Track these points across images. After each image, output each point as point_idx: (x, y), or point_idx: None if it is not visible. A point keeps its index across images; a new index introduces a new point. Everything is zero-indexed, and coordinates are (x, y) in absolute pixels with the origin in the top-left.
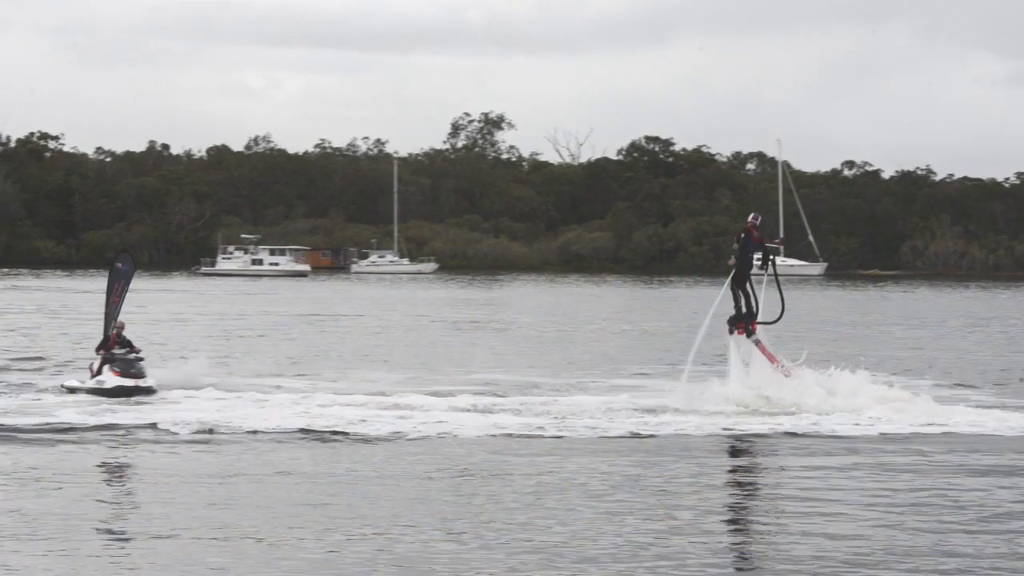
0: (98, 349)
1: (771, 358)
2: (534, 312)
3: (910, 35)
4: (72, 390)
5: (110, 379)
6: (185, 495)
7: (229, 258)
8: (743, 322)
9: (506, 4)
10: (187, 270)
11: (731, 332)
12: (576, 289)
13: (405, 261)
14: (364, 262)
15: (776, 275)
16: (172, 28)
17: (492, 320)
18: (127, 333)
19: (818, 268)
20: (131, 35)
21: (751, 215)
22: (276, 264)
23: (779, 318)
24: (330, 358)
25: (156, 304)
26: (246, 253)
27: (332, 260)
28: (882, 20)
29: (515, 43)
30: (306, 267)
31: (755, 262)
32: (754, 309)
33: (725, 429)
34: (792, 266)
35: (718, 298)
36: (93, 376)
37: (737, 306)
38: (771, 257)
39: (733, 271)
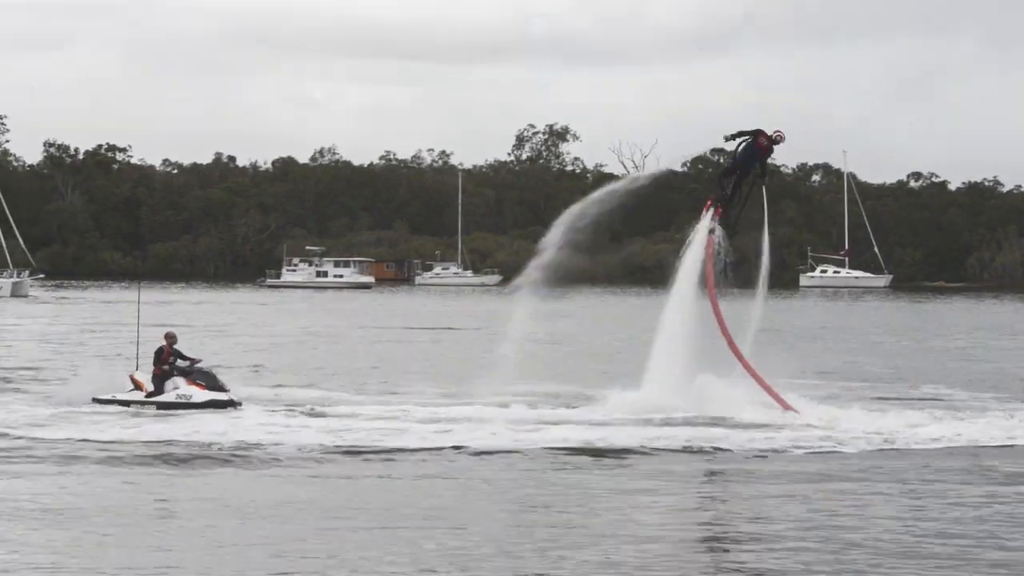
0: (156, 363)
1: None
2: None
3: (976, 44)
4: (106, 402)
5: (197, 393)
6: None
7: (294, 270)
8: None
9: (569, 16)
10: (252, 282)
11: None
12: (638, 301)
13: (469, 273)
14: (428, 274)
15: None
16: (237, 39)
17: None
18: (178, 345)
19: (883, 280)
20: (197, 47)
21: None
22: (340, 276)
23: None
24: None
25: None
26: (311, 265)
27: (396, 272)
28: (948, 29)
29: (578, 55)
30: (370, 279)
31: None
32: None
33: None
34: (857, 278)
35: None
36: (144, 390)
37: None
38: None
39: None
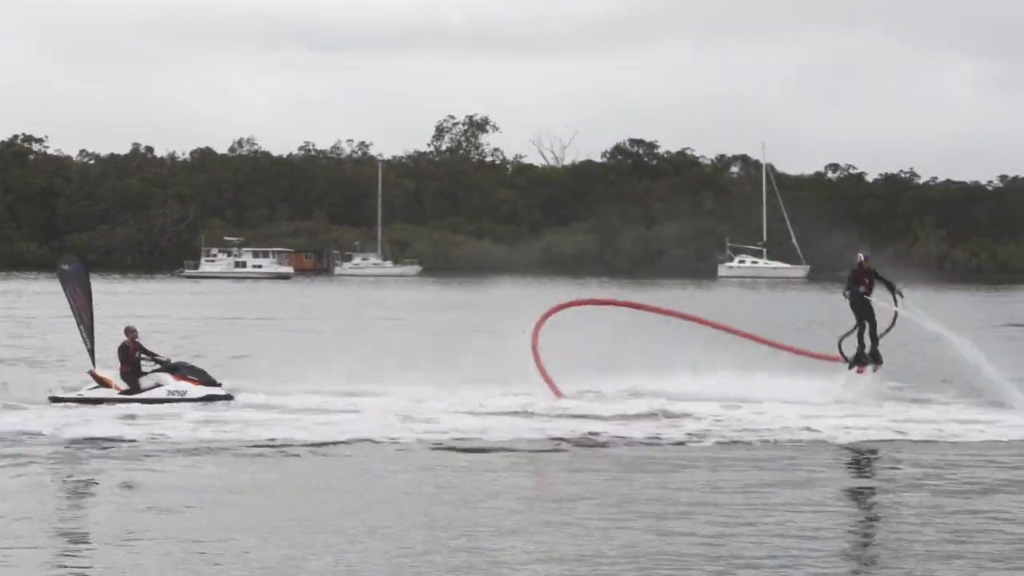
0: (123, 360)
1: None
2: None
3: (892, 38)
4: (60, 400)
5: (192, 389)
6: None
7: (212, 260)
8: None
9: (488, 6)
10: (170, 272)
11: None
12: (560, 291)
13: (388, 263)
14: (347, 264)
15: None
16: (154, 29)
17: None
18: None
19: (801, 270)
20: (114, 36)
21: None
22: (259, 266)
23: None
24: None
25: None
26: (229, 256)
27: (315, 262)
28: (864, 23)
29: (498, 45)
30: (289, 269)
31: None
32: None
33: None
34: (776, 268)
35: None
36: (113, 387)
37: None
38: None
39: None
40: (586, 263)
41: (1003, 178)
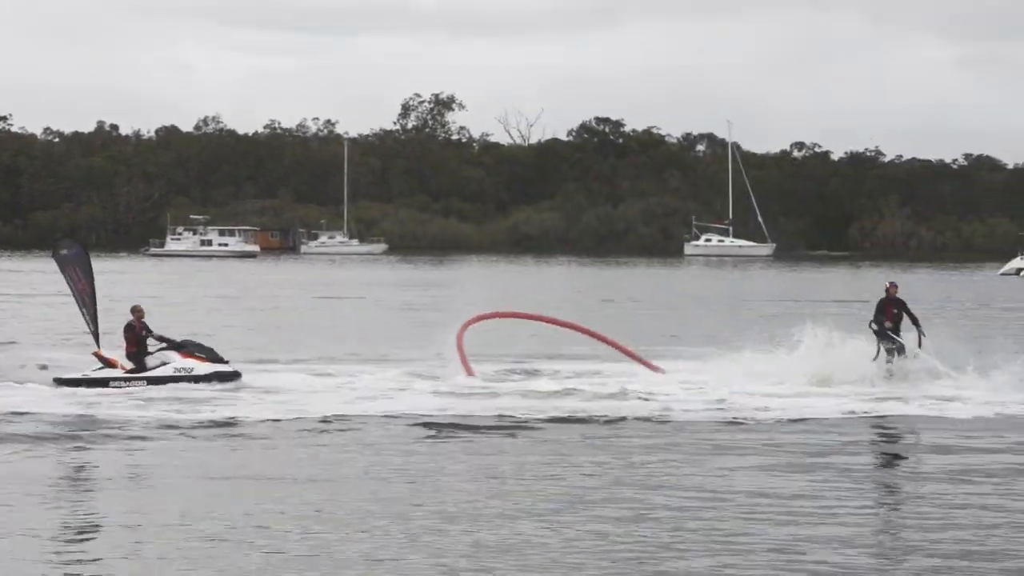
0: (132, 340)
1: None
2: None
3: (858, 17)
4: (68, 382)
5: (199, 366)
6: None
7: (178, 239)
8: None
9: None
10: (136, 251)
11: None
12: (528, 270)
13: (355, 242)
14: (313, 243)
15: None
16: (117, 6)
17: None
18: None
19: (766, 249)
20: (78, 14)
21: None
22: (225, 245)
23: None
24: None
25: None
26: (195, 234)
27: (281, 241)
28: (831, 1)
29: (464, 24)
30: (256, 248)
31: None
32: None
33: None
34: (741, 247)
35: None
36: (119, 367)
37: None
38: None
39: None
40: (552, 241)
41: (968, 156)
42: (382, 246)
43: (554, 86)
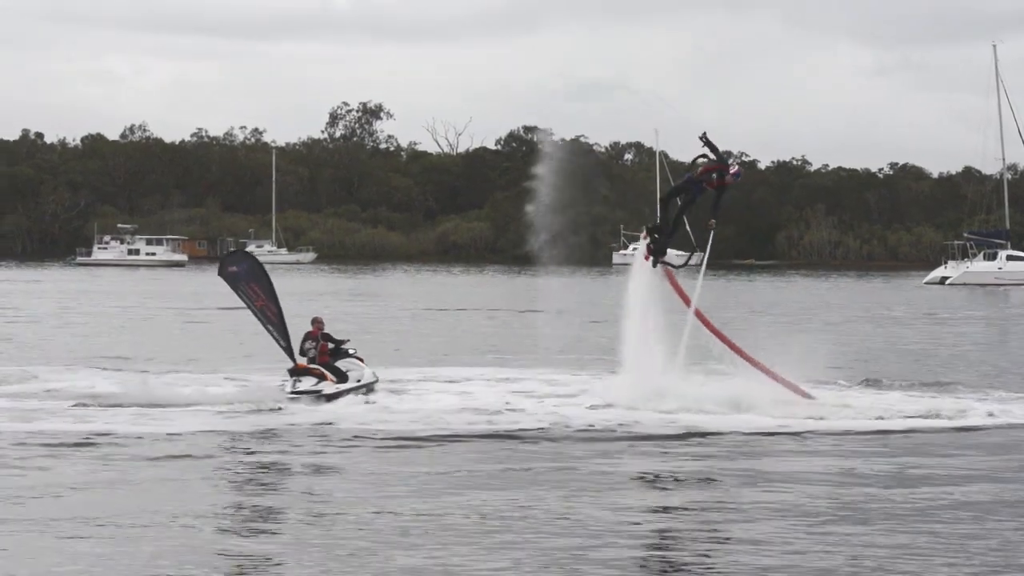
0: (322, 351)
1: None
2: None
3: (780, 24)
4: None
5: (366, 372)
6: None
7: (105, 248)
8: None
9: None
10: (62, 260)
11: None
12: (455, 279)
13: (283, 251)
14: None
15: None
16: (40, 15)
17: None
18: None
19: (694, 258)
20: (1, 22)
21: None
22: (153, 254)
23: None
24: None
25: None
26: (122, 243)
27: (209, 250)
28: (755, 10)
29: (384, 31)
30: (183, 257)
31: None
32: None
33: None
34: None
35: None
36: (329, 379)
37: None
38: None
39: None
40: (481, 251)
41: (893, 165)
42: (311, 255)
43: (482, 95)
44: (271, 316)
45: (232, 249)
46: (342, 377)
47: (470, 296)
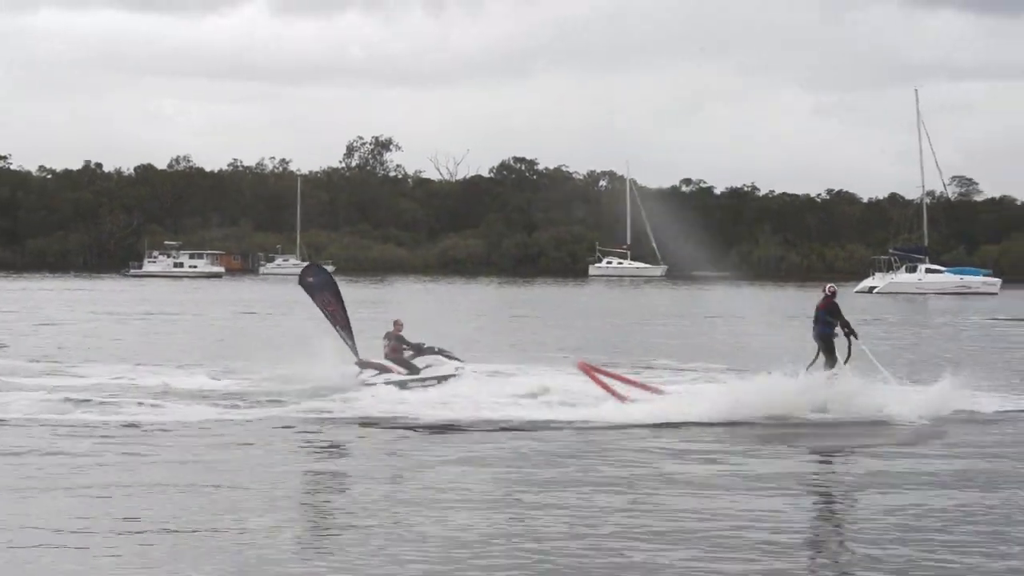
0: (396, 348)
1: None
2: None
3: (735, 72)
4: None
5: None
6: None
7: (154, 261)
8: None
9: (382, 43)
10: (117, 272)
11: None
12: (454, 288)
13: (306, 264)
14: (270, 265)
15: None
16: (101, 62)
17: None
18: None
19: (659, 270)
20: (68, 68)
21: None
22: (195, 267)
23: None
24: None
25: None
26: (168, 257)
27: (242, 263)
28: (714, 59)
29: (394, 77)
30: (221, 269)
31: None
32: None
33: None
34: (638, 268)
35: None
36: (396, 371)
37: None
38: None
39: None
40: (476, 264)
41: (829, 191)
42: (330, 267)
43: (477, 130)
44: (340, 319)
45: (307, 263)
46: (412, 370)
47: (515, 305)
